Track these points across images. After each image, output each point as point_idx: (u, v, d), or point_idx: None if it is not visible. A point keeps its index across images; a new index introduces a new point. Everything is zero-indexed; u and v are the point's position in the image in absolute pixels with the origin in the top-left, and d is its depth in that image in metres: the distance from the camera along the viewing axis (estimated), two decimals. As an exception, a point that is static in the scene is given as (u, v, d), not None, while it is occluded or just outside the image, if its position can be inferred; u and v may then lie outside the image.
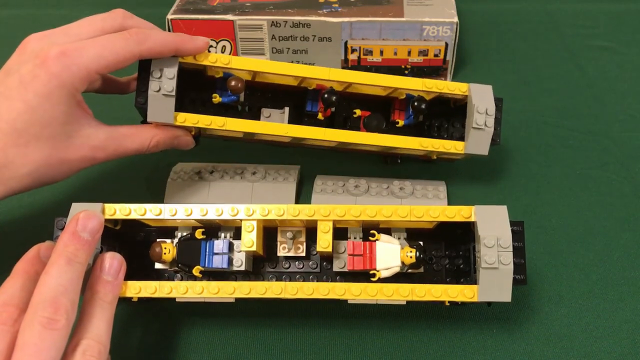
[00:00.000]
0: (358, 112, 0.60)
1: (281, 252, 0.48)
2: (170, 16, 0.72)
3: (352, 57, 0.70)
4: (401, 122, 0.58)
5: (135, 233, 0.51)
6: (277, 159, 0.67)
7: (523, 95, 0.76)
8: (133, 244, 0.50)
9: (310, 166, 0.66)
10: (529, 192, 0.62)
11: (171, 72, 0.49)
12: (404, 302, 0.46)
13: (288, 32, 0.72)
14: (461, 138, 0.57)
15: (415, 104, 0.55)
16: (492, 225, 0.43)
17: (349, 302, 0.47)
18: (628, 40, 0.86)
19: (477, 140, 0.54)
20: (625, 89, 0.77)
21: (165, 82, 0.52)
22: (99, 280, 0.41)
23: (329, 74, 0.54)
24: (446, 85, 0.54)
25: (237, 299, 0.47)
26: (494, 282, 0.42)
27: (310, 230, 0.48)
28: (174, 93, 0.50)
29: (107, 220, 0.45)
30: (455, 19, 0.70)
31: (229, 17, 0.71)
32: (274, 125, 0.55)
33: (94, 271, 0.41)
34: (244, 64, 0.53)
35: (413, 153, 0.59)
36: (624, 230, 0.58)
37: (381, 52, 0.68)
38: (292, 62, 0.65)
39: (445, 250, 0.50)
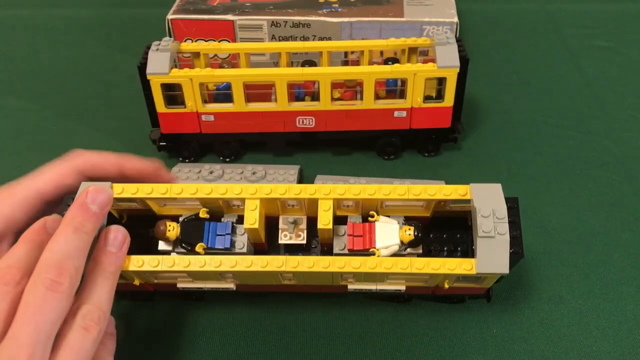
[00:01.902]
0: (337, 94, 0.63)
1: (282, 239, 0.48)
2: (170, 16, 0.72)
3: (352, 57, 0.70)
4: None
5: (140, 226, 0.51)
6: (277, 159, 0.68)
7: (523, 95, 0.77)
8: (138, 238, 0.50)
9: (310, 166, 0.66)
10: (529, 192, 0.62)
11: (166, 40, 0.60)
12: (404, 288, 0.47)
13: (288, 32, 0.72)
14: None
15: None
16: (488, 199, 0.43)
17: (349, 288, 0.47)
18: (628, 40, 0.86)
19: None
20: (625, 89, 0.77)
21: (162, 44, 0.60)
22: (102, 251, 0.41)
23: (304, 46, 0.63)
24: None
25: (237, 288, 0.47)
26: (491, 253, 0.42)
27: (311, 221, 0.48)
28: (169, 48, 0.59)
29: (112, 212, 0.46)
30: (455, 19, 0.70)
31: (229, 17, 0.71)
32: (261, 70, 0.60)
33: (98, 242, 0.42)
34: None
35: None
36: (624, 230, 0.58)
37: (381, 53, 0.68)
38: (291, 62, 0.66)
39: (443, 246, 0.50)
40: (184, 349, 0.49)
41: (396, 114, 0.62)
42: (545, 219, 0.59)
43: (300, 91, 0.63)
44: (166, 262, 0.43)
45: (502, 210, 0.42)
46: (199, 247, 0.45)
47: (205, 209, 0.47)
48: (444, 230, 0.50)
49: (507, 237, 0.42)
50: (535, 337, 0.50)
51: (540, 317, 0.51)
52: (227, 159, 0.67)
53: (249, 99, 0.61)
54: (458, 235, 0.50)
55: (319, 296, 0.52)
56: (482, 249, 0.42)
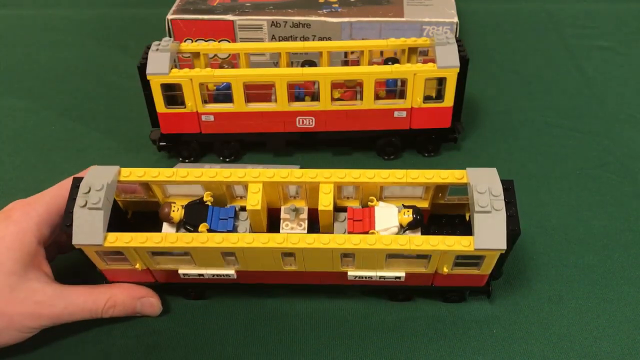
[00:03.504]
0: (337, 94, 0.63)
1: (284, 229, 0.49)
2: (170, 16, 0.72)
3: (352, 57, 0.70)
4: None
5: (144, 222, 0.51)
6: (277, 159, 0.68)
7: (523, 95, 0.77)
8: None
9: (310, 166, 0.66)
10: (528, 192, 0.62)
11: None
12: (403, 274, 0.47)
13: (288, 32, 0.72)
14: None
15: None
16: (484, 179, 0.44)
17: (349, 275, 0.47)
18: (628, 40, 0.86)
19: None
20: (625, 89, 0.77)
21: (162, 44, 0.58)
22: None
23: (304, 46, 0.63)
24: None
25: (238, 277, 0.48)
26: (488, 229, 0.42)
27: (312, 214, 0.48)
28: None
29: (118, 203, 0.47)
30: (455, 19, 0.70)
31: (229, 17, 0.71)
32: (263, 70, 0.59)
33: None
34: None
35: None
36: (624, 230, 0.58)
37: (381, 53, 0.68)
38: (291, 62, 0.66)
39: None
40: (183, 349, 0.49)
41: (396, 114, 0.62)
42: (545, 218, 0.59)
43: (300, 91, 0.64)
44: (169, 239, 0.44)
45: (498, 188, 0.43)
46: (202, 227, 0.46)
47: (209, 192, 0.47)
48: (444, 227, 0.50)
49: (504, 212, 0.42)
50: (535, 337, 0.50)
51: (540, 317, 0.51)
52: (227, 159, 0.67)
53: (249, 99, 0.61)
54: (457, 232, 0.50)
55: (320, 296, 0.52)
56: (479, 225, 0.42)
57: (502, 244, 0.42)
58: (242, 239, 0.43)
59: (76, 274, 0.49)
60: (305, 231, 0.48)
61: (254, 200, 0.45)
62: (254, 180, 0.45)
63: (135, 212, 0.52)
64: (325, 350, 0.49)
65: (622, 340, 0.49)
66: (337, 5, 0.73)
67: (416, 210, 0.46)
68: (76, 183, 0.44)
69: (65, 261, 0.52)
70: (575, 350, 0.49)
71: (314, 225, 0.49)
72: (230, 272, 0.47)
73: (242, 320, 0.51)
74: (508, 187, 0.44)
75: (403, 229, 0.46)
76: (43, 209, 0.46)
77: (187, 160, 0.67)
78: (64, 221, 0.43)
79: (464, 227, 0.50)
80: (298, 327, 0.51)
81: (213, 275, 0.48)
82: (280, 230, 0.49)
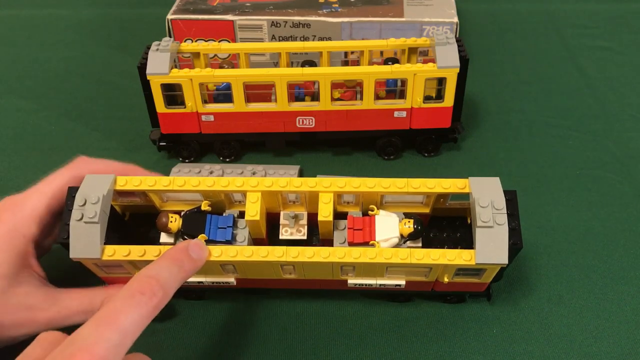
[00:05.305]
0: (337, 94, 0.63)
1: (283, 235, 0.49)
2: (170, 16, 0.72)
3: (352, 57, 0.70)
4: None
5: (141, 224, 0.51)
6: (277, 159, 0.68)
7: (523, 95, 0.77)
8: (138, 237, 0.50)
9: (310, 166, 0.66)
10: (528, 192, 0.62)
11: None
12: (404, 283, 0.47)
13: (288, 32, 0.72)
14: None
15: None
16: (486, 191, 0.43)
17: (349, 283, 0.47)
18: (628, 40, 0.87)
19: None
20: (625, 89, 0.77)
21: (162, 44, 0.58)
22: (183, 251, 0.41)
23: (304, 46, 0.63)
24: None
25: (238, 283, 0.48)
26: (490, 243, 0.42)
27: (312, 219, 0.48)
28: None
29: (115, 207, 0.46)
30: (455, 19, 0.70)
31: (229, 17, 0.71)
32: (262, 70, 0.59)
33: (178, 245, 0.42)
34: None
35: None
36: (624, 230, 0.58)
37: (381, 53, 0.68)
38: (291, 62, 0.66)
39: (443, 244, 0.50)
40: (183, 349, 0.49)
41: (396, 114, 0.62)
42: (545, 218, 0.59)
43: (300, 91, 0.64)
44: None
45: (501, 201, 0.43)
46: (200, 239, 0.45)
47: (207, 202, 0.47)
48: (444, 230, 0.50)
49: (506, 227, 0.42)
50: (535, 337, 0.50)
51: (540, 317, 0.51)
52: (227, 159, 0.67)
53: (249, 99, 0.61)
54: (458, 234, 0.50)
55: (319, 297, 0.52)
56: (481, 239, 0.42)
57: (504, 259, 0.42)
58: (241, 252, 0.43)
59: (74, 272, 0.49)
60: (305, 237, 0.48)
61: (253, 211, 0.45)
62: (252, 190, 0.45)
63: (132, 214, 0.52)
64: (325, 350, 0.49)
65: (622, 340, 0.49)
66: (337, 5, 0.73)
67: (417, 220, 0.46)
68: (72, 193, 0.44)
69: (61, 258, 0.51)
70: (575, 350, 0.49)
71: (314, 230, 0.49)
72: (230, 279, 0.47)
73: (242, 320, 0.51)
74: (511, 198, 0.44)
75: (404, 239, 0.46)
76: (32, 207, 0.46)
77: (187, 161, 0.67)
78: (61, 234, 0.43)
79: (465, 230, 0.50)
80: (298, 327, 0.51)
81: (212, 282, 0.48)
82: (280, 237, 0.49)
